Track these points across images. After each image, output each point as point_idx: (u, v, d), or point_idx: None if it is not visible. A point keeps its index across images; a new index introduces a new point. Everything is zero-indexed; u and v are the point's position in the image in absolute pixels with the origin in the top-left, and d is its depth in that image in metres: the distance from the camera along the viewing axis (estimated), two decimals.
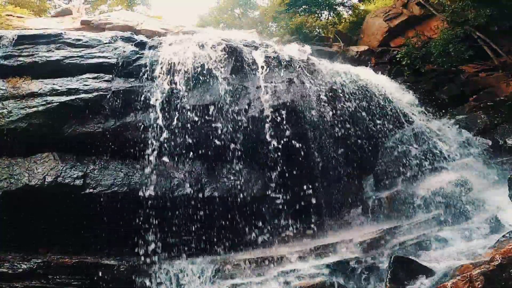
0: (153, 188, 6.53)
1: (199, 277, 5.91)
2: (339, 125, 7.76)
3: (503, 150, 8.10)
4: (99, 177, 6.52)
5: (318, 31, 18.74)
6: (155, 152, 6.84)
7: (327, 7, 18.60)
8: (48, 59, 7.62)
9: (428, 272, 4.58)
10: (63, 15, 14.32)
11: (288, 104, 7.42)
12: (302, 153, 7.24)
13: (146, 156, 6.81)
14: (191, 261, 6.23)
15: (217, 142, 7.02)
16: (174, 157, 6.91)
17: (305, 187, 7.12)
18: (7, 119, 6.74)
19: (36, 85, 7.20)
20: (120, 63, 7.75)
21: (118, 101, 7.16)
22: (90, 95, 7.11)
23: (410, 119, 8.63)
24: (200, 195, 6.68)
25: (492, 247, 4.74)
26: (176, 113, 7.15)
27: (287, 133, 7.19)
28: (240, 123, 7.17)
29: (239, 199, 6.74)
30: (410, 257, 5.07)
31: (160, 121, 7.03)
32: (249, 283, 5.62)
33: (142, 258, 6.17)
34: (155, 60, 7.87)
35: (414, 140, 8.14)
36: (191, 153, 6.97)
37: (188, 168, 6.92)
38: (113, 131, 6.92)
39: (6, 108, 6.84)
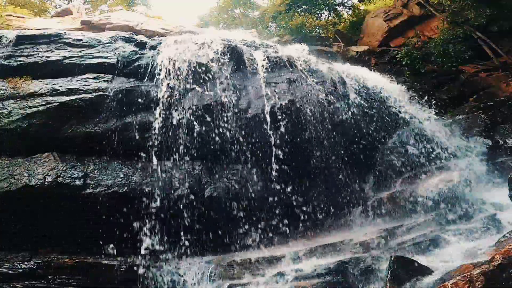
0: (153, 188, 6.53)
1: (199, 277, 5.91)
2: (339, 125, 7.76)
3: (503, 150, 8.09)
4: (99, 177, 6.52)
5: (318, 31, 18.75)
6: (155, 152, 6.84)
7: (327, 7, 18.64)
8: (48, 59, 7.62)
9: (428, 272, 4.57)
10: (63, 15, 14.32)
11: (288, 104, 7.42)
12: (302, 153, 7.25)
13: (146, 156, 6.81)
14: (191, 261, 6.22)
15: (217, 142, 7.02)
16: (174, 157, 6.90)
17: (305, 187, 7.12)
18: (7, 119, 6.74)
19: (36, 85, 7.20)
20: (120, 63, 7.76)
21: (118, 101, 7.17)
22: (90, 95, 7.11)
23: (410, 119, 8.62)
24: (200, 195, 6.68)
25: (492, 247, 4.74)
26: (176, 113, 7.16)
27: (287, 133, 7.19)
28: (240, 123, 7.18)
29: (238, 199, 6.74)
30: (410, 257, 5.07)
31: (160, 121, 7.03)
32: (249, 283, 5.61)
33: (142, 258, 6.16)
34: (155, 60, 7.88)
35: (414, 140, 8.14)
36: (191, 153, 6.96)
37: (188, 168, 6.92)
38: (113, 131, 6.92)
39: (6, 108, 6.85)
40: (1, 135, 6.65)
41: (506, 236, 4.70)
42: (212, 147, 7.01)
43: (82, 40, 8.19)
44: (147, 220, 6.33)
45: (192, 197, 6.62)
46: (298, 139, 7.29)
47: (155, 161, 6.81)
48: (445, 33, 11.81)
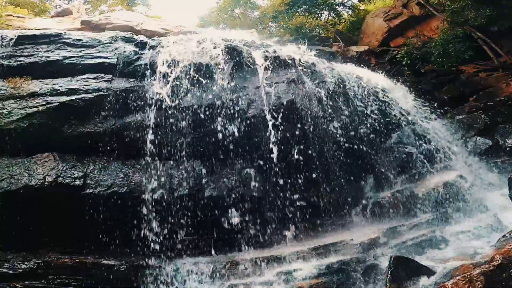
0: (153, 188, 6.53)
1: (199, 277, 5.91)
2: (339, 125, 7.75)
3: (503, 150, 8.10)
4: (99, 177, 6.52)
5: (318, 31, 18.76)
6: (155, 152, 6.84)
7: (327, 7, 18.65)
8: (48, 59, 7.62)
9: (428, 272, 4.58)
10: (63, 15, 14.33)
11: (288, 104, 7.42)
12: (302, 153, 7.24)
13: (146, 156, 6.81)
14: (191, 261, 6.22)
15: (217, 142, 7.01)
16: (174, 157, 6.90)
17: (305, 187, 7.11)
18: (7, 119, 6.74)
19: (36, 85, 7.20)
20: (120, 63, 7.75)
21: (118, 101, 7.16)
22: (90, 95, 7.11)
23: (410, 119, 8.63)
24: (200, 195, 6.68)
25: (492, 247, 4.75)
26: (176, 113, 7.16)
27: (287, 133, 7.19)
28: (240, 123, 7.17)
29: (239, 199, 6.74)
30: (410, 257, 5.07)
31: (160, 121, 7.03)
32: (249, 283, 5.61)
33: (142, 258, 6.16)
34: (155, 60, 7.88)
35: (414, 140, 8.15)
36: (191, 153, 6.96)
37: (188, 168, 6.92)
38: (113, 131, 6.92)
39: (6, 108, 6.84)
40: (1, 135, 6.64)
41: (506, 236, 4.70)
42: (212, 147, 7.00)
43: (82, 40, 8.18)
44: (147, 220, 6.33)
45: (192, 197, 6.62)
46: (298, 139, 7.28)
47: (155, 161, 6.81)
48: (445, 33, 11.81)
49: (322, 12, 19.19)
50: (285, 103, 7.42)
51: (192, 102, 7.29)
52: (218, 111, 7.24)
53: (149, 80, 7.57)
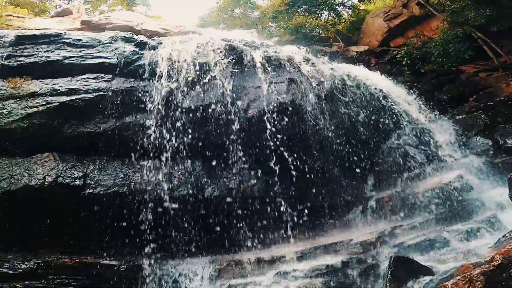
0: (153, 188, 6.53)
1: (199, 277, 5.91)
2: (339, 125, 7.76)
3: (503, 150, 8.09)
4: (99, 178, 6.52)
5: (318, 31, 18.74)
6: (155, 152, 6.84)
7: (327, 7, 18.62)
8: (48, 59, 7.62)
9: (428, 272, 4.57)
10: (63, 15, 14.31)
11: (288, 103, 7.42)
12: (302, 153, 7.24)
13: (146, 156, 6.81)
14: (191, 261, 6.23)
15: (217, 142, 7.02)
16: (174, 157, 6.90)
17: (305, 187, 7.12)
18: (7, 119, 6.74)
19: (36, 85, 7.20)
20: (120, 63, 7.76)
21: (118, 101, 7.17)
22: (90, 95, 7.12)
23: (410, 119, 8.62)
24: (200, 195, 6.68)
25: (492, 247, 4.74)
26: (176, 113, 7.16)
27: (287, 132, 7.19)
28: (240, 123, 7.17)
29: (239, 199, 6.74)
30: (410, 257, 5.07)
31: (160, 121, 7.03)
32: (249, 283, 5.62)
33: (142, 258, 6.16)
34: (155, 60, 7.88)
35: (414, 140, 8.14)
36: (191, 153, 6.97)
37: (188, 168, 6.92)
38: (113, 131, 6.92)
39: (6, 108, 6.85)
40: (1, 135, 6.65)
41: (506, 236, 4.70)
42: (212, 147, 7.01)
43: (82, 40, 8.18)
44: (147, 220, 6.33)
45: (192, 197, 6.62)
46: (298, 139, 7.28)
47: (155, 161, 6.81)
48: (445, 33, 11.80)
49: (322, 12, 19.16)
50: (285, 102, 7.42)
51: (192, 102, 7.29)
52: (218, 111, 7.24)
53: (149, 80, 7.57)
